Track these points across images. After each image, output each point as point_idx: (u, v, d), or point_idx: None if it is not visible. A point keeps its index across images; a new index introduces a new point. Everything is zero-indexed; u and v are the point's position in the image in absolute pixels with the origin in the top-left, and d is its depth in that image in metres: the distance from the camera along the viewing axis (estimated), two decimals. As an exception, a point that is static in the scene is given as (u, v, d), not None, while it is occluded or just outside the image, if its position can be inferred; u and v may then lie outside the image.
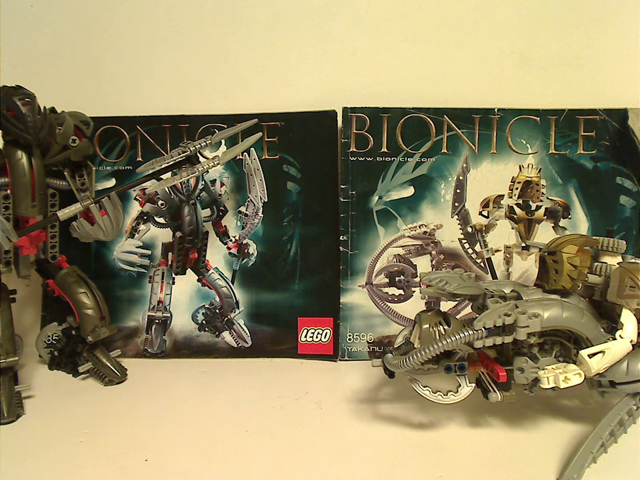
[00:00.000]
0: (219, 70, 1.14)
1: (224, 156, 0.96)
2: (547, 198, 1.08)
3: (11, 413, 0.86)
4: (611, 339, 0.75)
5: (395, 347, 0.85)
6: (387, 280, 1.09)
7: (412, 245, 1.09)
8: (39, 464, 0.75)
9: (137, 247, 1.11)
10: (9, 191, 0.92)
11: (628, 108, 1.06)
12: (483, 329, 0.71)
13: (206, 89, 1.15)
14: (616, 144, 1.06)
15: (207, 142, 0.95)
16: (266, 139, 1.08)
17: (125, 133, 1.10)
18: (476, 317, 0.72)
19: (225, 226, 1.11)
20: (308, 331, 1.08)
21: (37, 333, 1.07)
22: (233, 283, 1.10)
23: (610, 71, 1.12)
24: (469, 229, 1.09)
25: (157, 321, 1.11)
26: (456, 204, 1.08)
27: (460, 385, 0.79)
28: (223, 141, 1.08)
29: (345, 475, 0.73)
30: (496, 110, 1.07)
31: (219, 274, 1.11)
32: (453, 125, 1.07)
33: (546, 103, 1.07)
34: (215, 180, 1.10)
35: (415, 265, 1.09)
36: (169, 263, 1.11)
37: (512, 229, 1.09)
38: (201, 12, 1.13)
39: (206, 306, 1.11)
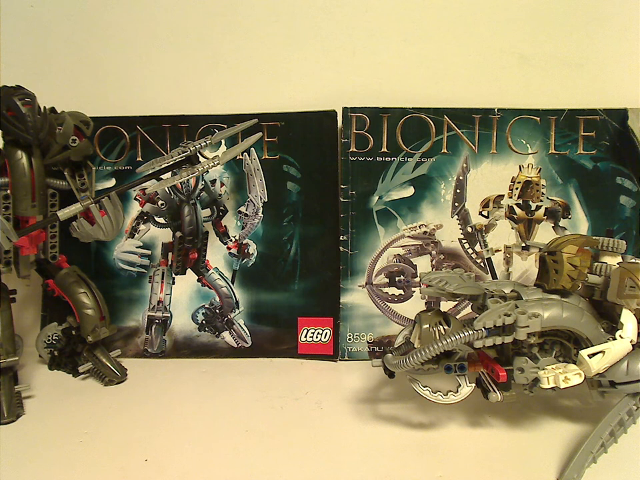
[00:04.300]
0: (218, 70, 1.14)
1: (224, 156, 0.96)
2: (547, 198, 1.08)
3: (11, 413, 0.86)
4: (610, 338, 0.75)
5: (395, 347, 0.85)
6: (387, 280, 1.09)
7: (412, 245, 1.09)
8: (39, 464, 0.75)
9: (137, 247, 1.11)
10: (8, 191, 0.92)
11: (628, 108, 1.06)
12: (483, 329, 0.71)
13: (206, 89, 1.15)
14: (616, 144, 1.06)
15: (207, 142, 0.95)
16: (266, 139, 1.08)
17: (125, 133, 1.10)
18: (476, 317, 0.73)
19: (225, 226, 1.11)
20: (308, 330, 1.08)
21: (37, 333, 1.07)
22: (233, 283, 1.10)
23: (610, 71, 1.12)
24: (469, 229, 1.09)
25: (157, 321, 1.11)
26: (456, 204, 1.08)
27: (460, 385, 0.79)
28: (222, 141, 1.08)
29: (345, 475, 0.73)
30: (496, 110, 1.07)
31: (219, 274, 1.11)
32: (453, 125, 1.07)
33: (546, 102, 1.07)
34: (215, 180, 1.10)
35: (415, 265, 1.09)
36: (169, 263, 1.11)
37: (512, 229, 1.09)
38: (201, 12, 1.13)
39: (206, 306, 1.11)
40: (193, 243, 1.09)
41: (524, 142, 1.07)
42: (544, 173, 1.08)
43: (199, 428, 0.84)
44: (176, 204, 1.10)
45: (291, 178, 1.09)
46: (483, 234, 1.09)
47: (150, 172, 0.97)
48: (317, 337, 1.08)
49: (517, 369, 0.76)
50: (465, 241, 1.09)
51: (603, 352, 0.73)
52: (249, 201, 1.10)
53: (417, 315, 0.79)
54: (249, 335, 1.10)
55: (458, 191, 1.08)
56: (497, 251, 1.09)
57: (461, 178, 1.08)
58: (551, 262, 0.77)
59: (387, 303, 1.09)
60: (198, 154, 0.95)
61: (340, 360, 1.08)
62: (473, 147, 1.07)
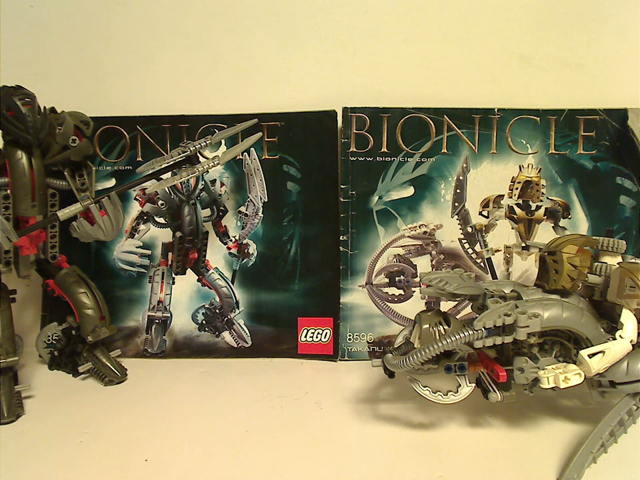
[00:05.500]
0: (218, 70, 1.14)
1: (224, 156, 0.96)
2: (547, 198, 1.08)
3: (11, 413, 0.86)
4: (610, 338, 0.75)
5: (395, 347, 0.85)
6: (387, 280, 1.09)
7: (412, 245, 1.09)
8: (39, 464, 0.75)
9: (137, 247, 1.11)
10: (8, 191, 0.92)
11: (628, 108, 1.06)
12: (483, 329, 0.71)
13: (206, 89, 1.15)
14: (616, 144, 1.06)
15: (207, 142, 0.95)
16: (266, 139, 1.08)
17: (125, 133, 1.10)
18: (476, 317, 0.73)
19: (225, 226, 1.11)
20: (308, 331, 1.08)
21: (37, 333, 1.07)
22: (233, 283, 1.10)
23: (610, 71, 1.12)
24: (469, 229, 1.09)
25: (157, 321, 1.11)
26: (456, 204, 1.08)
27: (460, 385, 0.79)
28: (222, 141, 1.08)
29: (345, 475, 0.73)
30: (496, 110, 1.07)
31: (219, 274, 1.11)
32: (453, 125, 1.07)
33: (546, 102, 1.07)
34: (215, 180, 1.10)
35: (415, 265, 1.09)
36: (169, 263, 1.11)
37: (512, 229, 1.09)
38: (201, 12, 1.13)
39: (206, 306, 1.11)
40: (193, 243, 1.09)
41: (524, 142, 1.07)
42: (544, 173, 1.08)
43: (199, 428, 0.84)
44: (176, 204, 1.10)
45: (291, 178, 1.09)
46: (483, 234, 1.09)
47: (150, 172, 0.97)
48: (317, 337, 1.08)
49: (517, 368, 0.76)
50: (465, 240, 1.09)
51: (603, 352, 0.73)
52: (248, 201, 1.10)
53: (417, 315, 0.79)
54: (248, 335, 1.10)
55: (458, 191, 1.08)
56: (497, 250, 1.09)
57: (460, 178, 1.08)
58: (551, 262, 0.77)
59: (387, 303, 1.09)
60: (198, 154, 0.96)
61: (340, 360, 1.08)
62: (473, 147, 1.07)
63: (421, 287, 0.94)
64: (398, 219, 1.08)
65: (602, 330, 0.76)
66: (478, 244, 1.09)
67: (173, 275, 1.11)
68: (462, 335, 0.71)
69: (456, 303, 1.09)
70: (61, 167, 0.98)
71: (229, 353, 1.10)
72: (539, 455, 0.76)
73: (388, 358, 0.78)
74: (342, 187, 1.07)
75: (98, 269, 1.10)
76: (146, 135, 1.09)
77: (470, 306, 0.85)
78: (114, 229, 0.98)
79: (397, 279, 1.09)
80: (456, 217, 1.08)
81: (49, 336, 1.06)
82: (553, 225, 1.08)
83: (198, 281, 1.11)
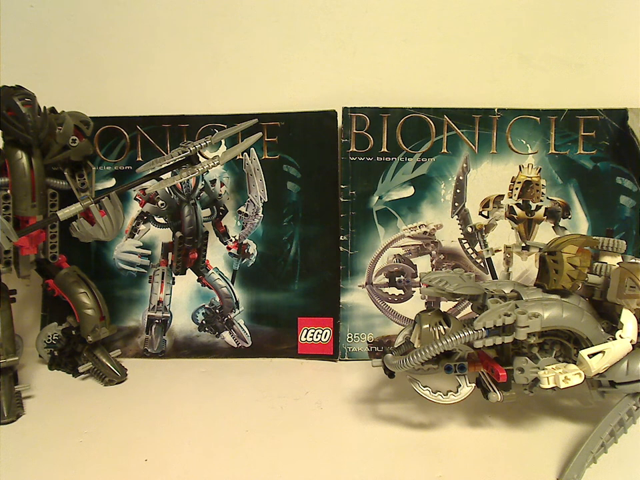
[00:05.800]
0: (218, 70, 1.14)
1: (224, 156, 0.96)
2: (547, 198, 1.08)
3: (11, 413, 0.86)
4: (610, 338, 0.75)
5: (395, 347, 0.85)
6: (387, 280, 1.09)
7: (412, 245, 1.09)
8: (39, 464, 0.75)
9: (137, 247, 1.11)
10: (8, 191, 0.92)
11: (628, 108, 1.06)
12: (483, 329, 0.71)
13: (206, 89, 1.15)
14: (616, 144, 1.06)
15: (207, 142, 0.95)
16: (266, 139, 1.08)
17: (125, 133, 1.10)
18: (476, 317, 0.73)
19: (225, 226, 1.11)
20: (308, 331, 1.08)
21: (37, 333, 1.07)
22: (233, 283, 1.10)
23: (610, 71, 1.12)
24: (469, 229, 1.09)
25: (157, 321, 1.11)
26: (456, 204, 1.08)
27: (460, 385, 0.79)
28: (222, 141, 1.08)
29: (345, 475, 0.73)
30: (496, 110, 1.07)
31: (219, 274, 1.11)
32: (453, 125, 1.07)
33: (546, 102, 1.07)
34: (215, 180, 1.10)
35: (415, 265, 1.09)
36: (169, 263, 1.11)
37: (512, 229, 1.09)
38: (201, 12, 1.13)
39: (206, 306, 1.11)
40: (193, 243, 1.09)
41: (524, 142, 1.07)
42: (544, 173, 1.08)
43: (199, 428, 0.84)
44: (176, 204, 1.10)
45: (291, 178, 1.09)
46: (483, 234, 1.09)
47: (150, 172, 0.97)
48: (317, 337, 1.08)
49: (517, 368, 0.76)
50: (465, 240, 1.09)
51: (602, 352, 0.74)
52: (248, 201, 1.10)
53: (417, 315, 0.79)
54: (248, 335, 1.10)
55: (458, 191, 1.08)
56: (497, 250, 1.09)
57: (461, 178, 1.08)
58: (551, 262, 0.77)
59: (387, 303, 1.09)
60: (198, 154, 0.96)
61: (340, 360, 1.08)
62: (473, 147, 1.07)
63: (420, 286, 0.94)
64: (398, 219, 1.08)
65: (602, 330, 0.76)
66: (478, 244, 1.09)
67: (173, 275, 1.11)
68: (462, 335, 0.71)
69: (456, 302, 1.09)
70: (61, 167, 0.98)
71: (228, 353, 1.10)
72: (539, 455, 0.76)
73: (388, 358, 0.78)
74: (342, 186, 1.07)
75: (98, 268, 1.10)
76: (146, 135, 1.09)
77: (470, 306, 0.85)
78: (114, 229, 0.98)
79: (396, 279, 1.09)
80: (456, 216, 1.08)
81: (49, 336, 1.06)
82: (553, 225, 1.08)
83: (198, 280, 1.11)
